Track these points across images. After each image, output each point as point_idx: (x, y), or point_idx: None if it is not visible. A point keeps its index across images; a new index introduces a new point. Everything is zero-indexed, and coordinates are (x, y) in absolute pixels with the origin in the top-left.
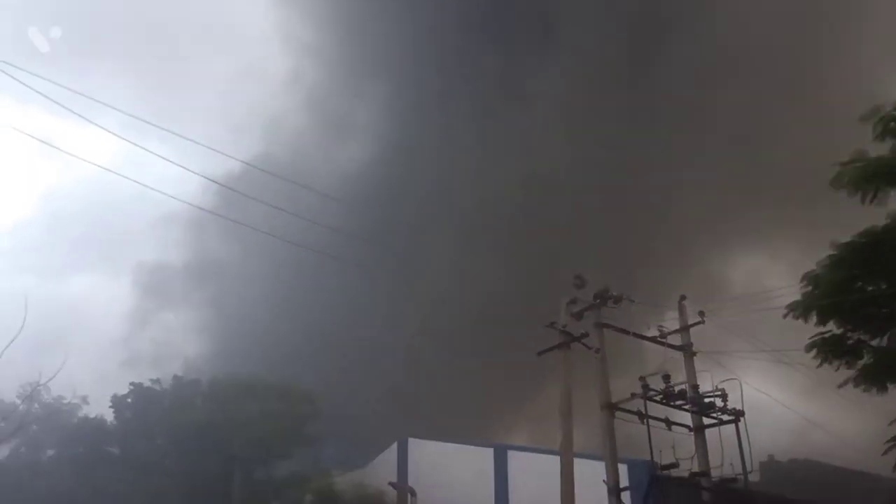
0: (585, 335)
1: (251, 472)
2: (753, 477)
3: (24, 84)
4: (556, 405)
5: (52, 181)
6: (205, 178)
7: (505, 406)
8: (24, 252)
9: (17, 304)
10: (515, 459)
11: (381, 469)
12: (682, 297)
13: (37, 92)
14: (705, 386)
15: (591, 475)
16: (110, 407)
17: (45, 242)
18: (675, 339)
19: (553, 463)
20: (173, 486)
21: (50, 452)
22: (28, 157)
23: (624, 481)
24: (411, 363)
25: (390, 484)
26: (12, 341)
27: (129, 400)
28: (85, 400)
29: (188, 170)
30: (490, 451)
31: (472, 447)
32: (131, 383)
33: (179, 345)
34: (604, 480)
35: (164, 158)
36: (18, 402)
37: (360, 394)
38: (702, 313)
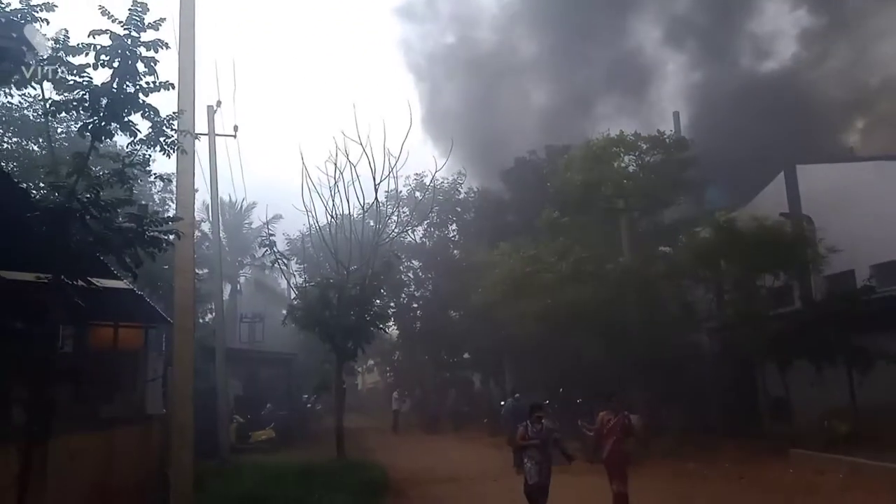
0: None
1: (635, 222)
2: None
3: None
4: None
5: None
6: None
7: None
8: None
9: None
10: None
11: (768, 203)
12: None
13: None
14: None
15: None
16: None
17: None
18: None
19: None
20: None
21: (453, 228)
22: None
23: None
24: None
25: (781, 215)
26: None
27: (515, 172)
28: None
29: None
30: None
31: (878, 162)
32: (515, 158)
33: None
34: None
35: None
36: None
37: (737, 133)
38: None
